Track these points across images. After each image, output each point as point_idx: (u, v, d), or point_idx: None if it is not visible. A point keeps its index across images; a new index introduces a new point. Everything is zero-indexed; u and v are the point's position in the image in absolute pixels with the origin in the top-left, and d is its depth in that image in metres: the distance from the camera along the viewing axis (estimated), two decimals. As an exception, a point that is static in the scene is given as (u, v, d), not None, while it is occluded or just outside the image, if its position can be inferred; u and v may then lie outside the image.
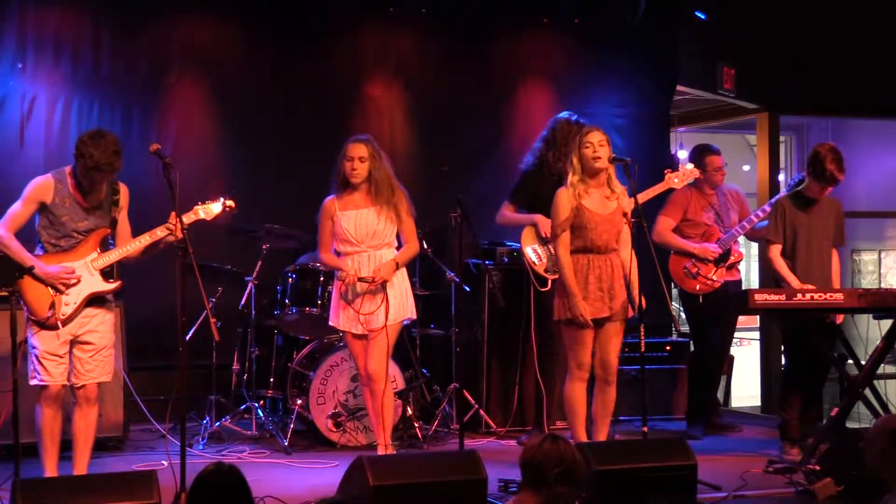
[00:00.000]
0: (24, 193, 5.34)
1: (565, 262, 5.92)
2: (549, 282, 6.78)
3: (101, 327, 5.38)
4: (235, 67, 8.05)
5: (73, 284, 5.28)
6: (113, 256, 5.37)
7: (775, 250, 6.53)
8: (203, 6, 8.03)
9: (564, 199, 5.94)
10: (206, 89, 8.03)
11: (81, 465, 5.39)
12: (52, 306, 5.22)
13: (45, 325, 5.25)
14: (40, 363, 5.27)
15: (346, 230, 5.99)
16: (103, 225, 5.38)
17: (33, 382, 5.30)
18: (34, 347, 5.29)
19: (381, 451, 5.92)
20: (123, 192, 5.46)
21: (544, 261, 6.87)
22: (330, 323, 6.16)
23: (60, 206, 5.29)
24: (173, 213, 5.28)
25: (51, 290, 5.25)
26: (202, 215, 5.54)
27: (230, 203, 5.64)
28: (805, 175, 6.62)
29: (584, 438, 5.91)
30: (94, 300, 5.35)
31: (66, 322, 5.27)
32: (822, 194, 6.53)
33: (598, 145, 5.90)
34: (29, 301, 5.25)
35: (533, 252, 6.92)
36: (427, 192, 8.26)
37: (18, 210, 5.33)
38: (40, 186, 5.32)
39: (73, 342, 5.33)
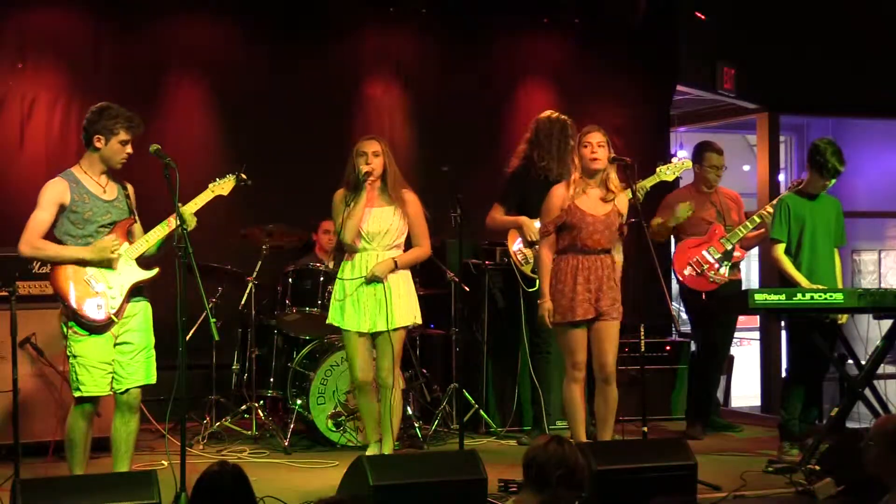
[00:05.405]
0: (41, 200, 5.12)
1: (544, 261, 5.88)
2: (537, 282, 6.80)
3: (141, 326, 5.25)
4: (235, 67, 8.06)
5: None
6: (143, 245, 5.23)
7: (780, 249, 6.51)
8: (203, 6, 8.04)
9: (555, 199, 5.87)
10: (206, 89, 8.04)
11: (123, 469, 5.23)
12: (100, 306, 5.06)
13: (100, 326, 5.09)
14: (88, 373, 5.08)
15: (359, 227, 5.85)
16: (125, 216, 5.26)
17: (79, 394, 5.10)
18: (77, 356, 5.07)
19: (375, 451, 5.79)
20: (131, 190, 5.38)
21: (530, 262, 6.88)
22: (329, 321, 6.00)
23: (81, 203, 5.12)
24: (184, 204, 5.19)
25: (91, 290, 5.07)
26: (219, 191, 5.40)
27: (243, 175, 5.50)
28: (806, 172, 6.64)
29: (583, 439, 5.88)
30: (133, 292, 5.21)
31: (119, 314, 5.12)
32: (824, 188, 6.55)
33: (596, 146, 5.81)
34: (76, 304, 5.05)
35: (519, 253, 6.92)
36: (427, 192, 8.27)
37: (41, 217, 5.07)
38: (56, 188, 5.13)
39: (114, 345, 5.17)
